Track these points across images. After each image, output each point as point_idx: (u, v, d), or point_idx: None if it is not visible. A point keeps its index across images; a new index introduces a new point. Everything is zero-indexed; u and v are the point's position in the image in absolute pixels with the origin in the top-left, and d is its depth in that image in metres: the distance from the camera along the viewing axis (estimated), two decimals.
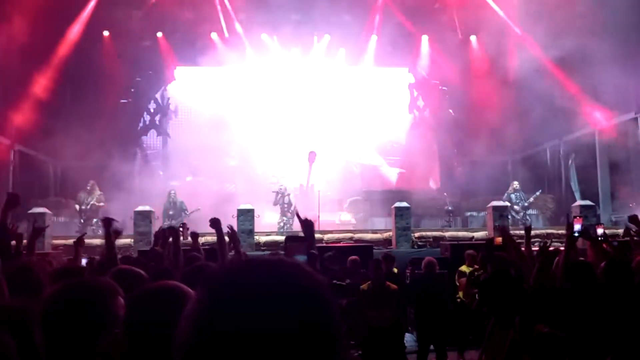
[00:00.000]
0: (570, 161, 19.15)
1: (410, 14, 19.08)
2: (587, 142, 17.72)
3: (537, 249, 5.06)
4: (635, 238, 5.51)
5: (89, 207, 15.24)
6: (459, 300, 8.53)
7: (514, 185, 15.83)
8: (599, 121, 17.03)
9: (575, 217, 5.81)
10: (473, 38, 19.79)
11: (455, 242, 11.81)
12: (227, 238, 4.94)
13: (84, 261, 5.32)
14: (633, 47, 13.75)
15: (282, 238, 12.44)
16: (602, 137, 17.29)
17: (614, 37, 13.66)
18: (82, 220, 15.18)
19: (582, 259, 4.96)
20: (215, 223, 4.51)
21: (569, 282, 3.96)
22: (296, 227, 14.90)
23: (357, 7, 19.27)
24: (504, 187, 16.55)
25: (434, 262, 7.49)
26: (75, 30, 17.45)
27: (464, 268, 8.54)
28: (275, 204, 15.90)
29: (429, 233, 13.89)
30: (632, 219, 5.59)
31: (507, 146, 19.79)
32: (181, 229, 5.30)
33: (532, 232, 12.65)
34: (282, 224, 15.57)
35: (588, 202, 13.66)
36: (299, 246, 10.69)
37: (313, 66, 21.01)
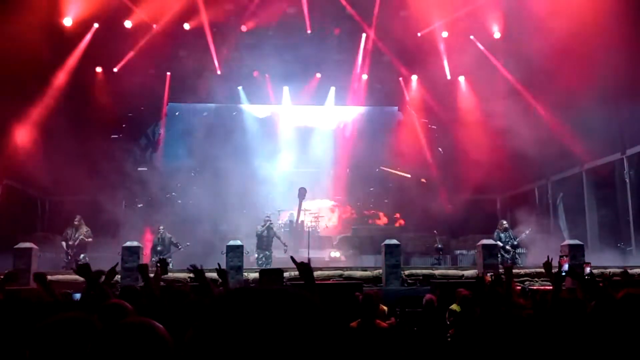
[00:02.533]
0: (558, 200, 19.31)
1: (400, 54, 19.44)
2: (575, 182, 17.92)
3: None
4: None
5: (75, 242, 15.09)
6: (449, 340, 8.45)
7: (504, 224, 15.88)
8: (586, 161, 17.26)
9: (561, 256, 5.85)
10: (462, 79, 20.17)
11: (445, 281, 11.77)
12: (216, 275, 4.89)
13: (77, 295, 5.15)
14: (619, 87, 14.02)
15: None
16: (590, 177, 17.50)
17: (600, 78, 13.94)
18: (68, 257, 14.99)
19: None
20: (196, 272, 4.28)
21: (559, 319, 3.95)
22: (275, 263, 14.77)
23: (347, 46, 19.61)
24: (493, 225, 16.60)
25: (434, 298, 7.50)
26: (67, 66, 17.58)
27: (454, 307, 8.49)
28: (257, 234, 15.67)
29: (418, 271, 13.82)
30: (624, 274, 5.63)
31: (496, 185, 19.94)
32: (158, 264, 5.14)
33: (522, 271, 12.67)
34: (263, 259, 15.37)
35: (577, 242, 13.71)
36: (273, 280, 10.65)
37: (304, 104, 21.28)
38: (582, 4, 13.89)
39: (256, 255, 15.49)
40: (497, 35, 18.00)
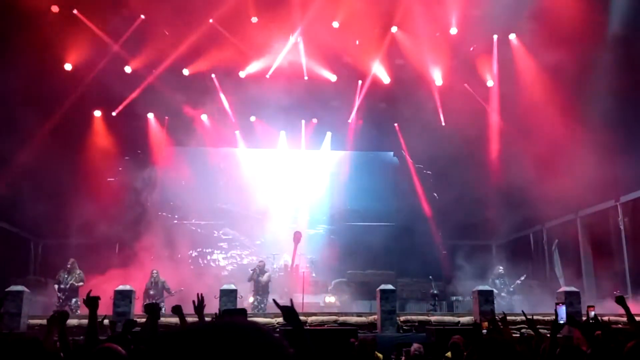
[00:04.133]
0: (553, 247, 19.30)
1: (395, 101, 19.74)
2: (570, 228, 17.94)
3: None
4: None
5: (68, 286, 14.91)
6: None
7: (499, 270, 15.82)
8: (580, 208, 17.33)
9: (557, 303, 5.84)
10: (455, 125, 20.40)
11: (441, 327, 11.64)
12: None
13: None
14: (613, 136, 14.21)
15: (264, 320, 12.19)
16: (585, 224, 17.54)
17: (594, 126, 14.16)
18: (60, 300, 14.79)
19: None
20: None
21: None
22: (270, 307, 14.61)
23: (343, 93, 19.90)
24: (488, 271, 16.54)
25: (421, 348, 7.43)
26: (65, 109, 17.73)
27: (449, 355, 8.37)
28: (250, 279, 15.57)
29: (414, 317, 13.67)
30: (619, 299, 5.60)
31: (491, 231, 19.94)
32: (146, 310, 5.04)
33: (518, 318, 12.56)
34: (256, 304, 15.23)
35: (573, 288, 13.63)
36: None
37: (300, 149, 21.46)
38: (575, 54, 14.25)
39: (251, 300, 15.35)
40: (490, 83, 18.36)
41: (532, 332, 6.60)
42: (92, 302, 4.07)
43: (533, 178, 16.25)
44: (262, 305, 15.11)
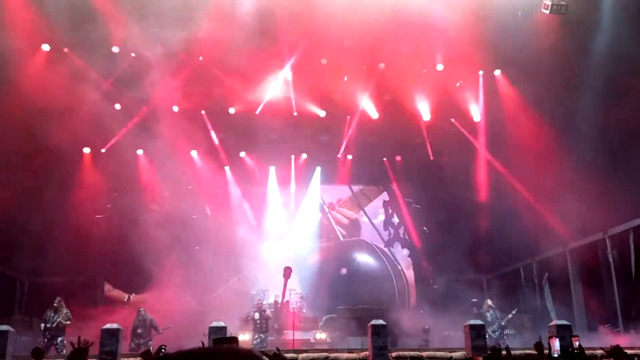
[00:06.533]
0: (543, 280, 19.29)
1: (384, 136, 19.92)
2: (559, 261, 17.98)
3: None
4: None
5: (54, 325, 14.63)
6: None
7: (488, 303, 15.76)
8: (569, 241, 17.40)
9: (551, 337, 5.85)
10: (444, 159, 20.61)
11: None
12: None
13: None
14: (599, 170, 14.37)
15: None
16: (574, 257, 17.59)
17: (581, 162, 14.34)
18: (45, 340, 14.48)
19: None
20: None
21: None
22: (270, 344, 14.43)
23: (333, 128, 20.08)
24: (480, 305, 16.47)
25: None
26: (54, 147, 17.69)
27: None
28: (253, 319, 15.45)
29: (406, 352, 13.50)
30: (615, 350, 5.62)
31: (481, 265, 19.94)
32: (162, 351, 4.96)
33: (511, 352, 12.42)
34: (257, 341, 15.04)
35: (564, 322, 13.58)
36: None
37: (290, 184, 21.52)
38: (559, 90, 14.52)
39: (247, 337, 15.18)
40: (477, 118, 18.61)
41: None
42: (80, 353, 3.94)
43: (522, 211, 16.36)
44: (264, 343, 14.95)
